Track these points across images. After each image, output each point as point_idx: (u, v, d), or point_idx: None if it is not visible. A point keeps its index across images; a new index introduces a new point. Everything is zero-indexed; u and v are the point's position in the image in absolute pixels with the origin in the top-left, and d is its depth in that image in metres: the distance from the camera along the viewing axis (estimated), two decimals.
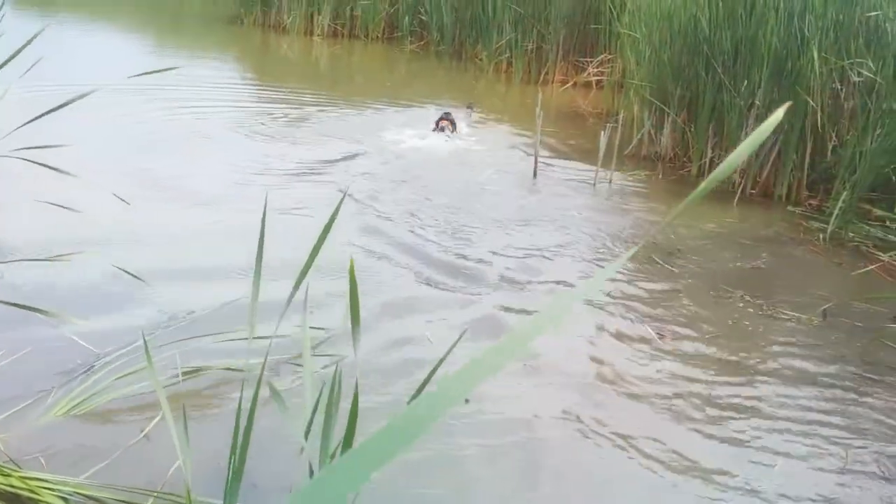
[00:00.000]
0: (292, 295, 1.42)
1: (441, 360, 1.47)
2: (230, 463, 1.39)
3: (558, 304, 0.55)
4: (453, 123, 6.72)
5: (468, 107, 7.55)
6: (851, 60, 5.21)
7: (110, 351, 2.88)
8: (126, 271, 3.20)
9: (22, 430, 2.40)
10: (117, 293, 3.34)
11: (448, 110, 6.93)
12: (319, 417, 1.42)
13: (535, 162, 5.71)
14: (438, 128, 6.63)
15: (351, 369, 2.74)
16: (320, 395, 1.39)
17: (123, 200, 3.03)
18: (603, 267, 4.23)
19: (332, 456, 1.32)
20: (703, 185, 0.66)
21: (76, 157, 4.98)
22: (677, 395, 3.01)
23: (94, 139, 5.55)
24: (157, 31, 12.36)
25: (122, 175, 4.94)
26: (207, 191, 4.83)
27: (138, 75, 2.50)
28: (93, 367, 2.77)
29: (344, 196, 1.65)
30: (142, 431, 2.42)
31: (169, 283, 3.49)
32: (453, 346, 1.53)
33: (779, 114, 0.69)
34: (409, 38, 11.80)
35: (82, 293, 3.33)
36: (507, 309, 3.62)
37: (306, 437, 1.32)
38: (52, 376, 2.70)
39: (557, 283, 3.96)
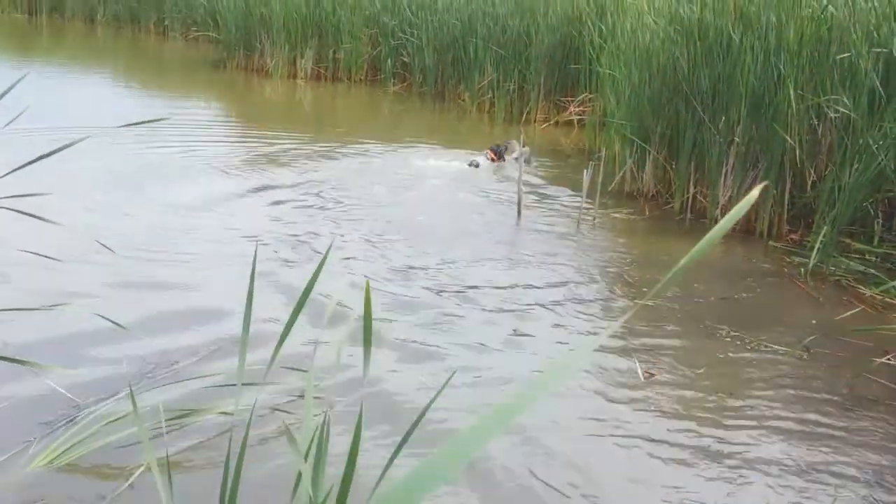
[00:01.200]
0: (280, 343, 1.42)
1: (429, 403, 1.46)
2: None
3: (564, 363, 0.56)
4: (500, 156, 7.27)
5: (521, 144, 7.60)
6: (827, 97, 5.30)
7: (93, 401, 2.85)
8: (109, 319, 3.19)
9: (4, 481, 2.36)
10: (101, 342, 3.31)
11: (503, 144, 7.45)
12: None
13: (519, 200, 5.75)
14: (489, 157, 7.25)
15: (339, 416, 2.73)
16: (312, 443, 1.38)
17: (108, 248, 3.02)
18: (587, 303, 4.25)
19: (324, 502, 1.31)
20: (696, 247, 0.68)
21: (62, 204, 4.99)
22: (663, 432, 3.00)
23: (79, 186, 5.55)
24: (141, 77, 12.40)
25: (107, 223, 4.93)
26: (194, 239, 4.82)
27: (130, 125, 2.50)
28: (76, 416, 2.74)
29: (329, 248, 1.66)
30: (126, 481, 2.39)
31: (153, 330, 3.47)
32: (443, 387, 1.52)
33: (754, 193, 0.76)
34: (392, 80, 11.91)
35: (65, 342, 3.30)
36: (488, 348, 3.62)
37: (296, 487, 1.31)
38: (35, 427, 2.66)
39: (547, 325, 3.96)
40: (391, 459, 1.28)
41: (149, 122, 2.73)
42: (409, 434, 1.27)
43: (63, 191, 5.30)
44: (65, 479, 2.40)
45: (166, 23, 18.00)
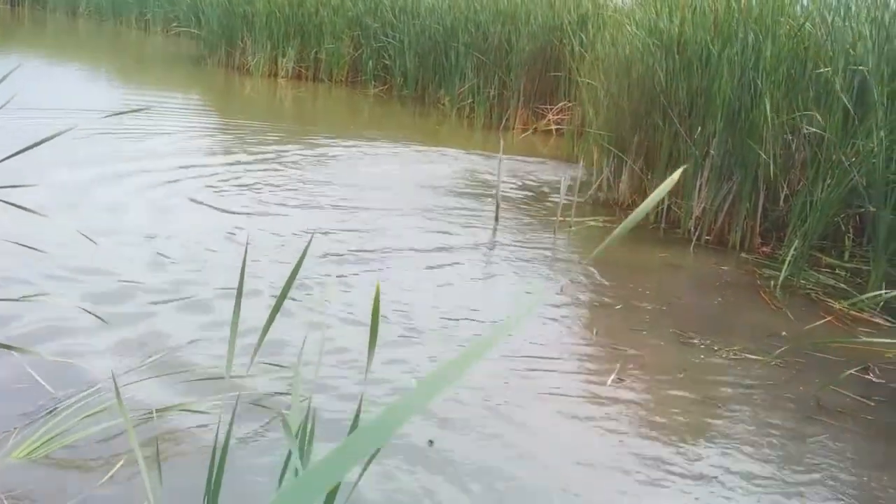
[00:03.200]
0: (263, 334, 1.46)
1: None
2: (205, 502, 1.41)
3: (515, 316, 0.58)
4: None
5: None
6: (802, 113, 5.41)
7: (73, 392, 2.86)
8: (89, 312, 3.20)
9: None
10: (81, 333, 3.32)
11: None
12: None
13: (497, 207, 5.80)
14: None
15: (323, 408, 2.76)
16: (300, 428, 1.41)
17: (90, 239, 3.03)
18: (557, 305, 4.31)
19: None
20: (619, 228, 0.74)
21: (44, 195, 4.98)
22: (627, 438, 3.06)
23: (61, 177, 5.54)
24: (122, 72, 12.33)
25: (89, 213, 4.92)
26: (176, 231, 4.82)
27: (113, 115, 2.53)
28: (56, 408, 2.75)
29: (311, 240, 1.69)
30: (108, 473, 2.40)
31: (135, 321, 3.49)
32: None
33: (675, 176, 0.81)
34: (373, 83, 11.95)
35: (46, 333, 3.30)
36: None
37: (281, 480, 1.35)
38: (14, 418, 2.67)
39: (523, 333, 4.02)
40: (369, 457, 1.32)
41: (132, 111, 2.75)
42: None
43: (45, 181, 5.29)
44: (44, 470, 2.41)
45: (148, 17, 17.92)
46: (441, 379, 0.53)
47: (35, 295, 2.89)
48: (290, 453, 1.28)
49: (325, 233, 5.09)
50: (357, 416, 1.40)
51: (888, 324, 4.44)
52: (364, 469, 1.54)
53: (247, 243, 1.53)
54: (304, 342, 1.70)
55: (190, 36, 15.14)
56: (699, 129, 5.83)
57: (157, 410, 2.71)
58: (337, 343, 3.48)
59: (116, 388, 1.74)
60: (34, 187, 2.71)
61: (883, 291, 4.57)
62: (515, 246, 5.33)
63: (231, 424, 1.48)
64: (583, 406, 3.28)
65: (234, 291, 1.53)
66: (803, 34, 5.56)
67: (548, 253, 5.28)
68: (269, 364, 3.12)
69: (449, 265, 4.80)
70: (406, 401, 0.52)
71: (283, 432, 2.68)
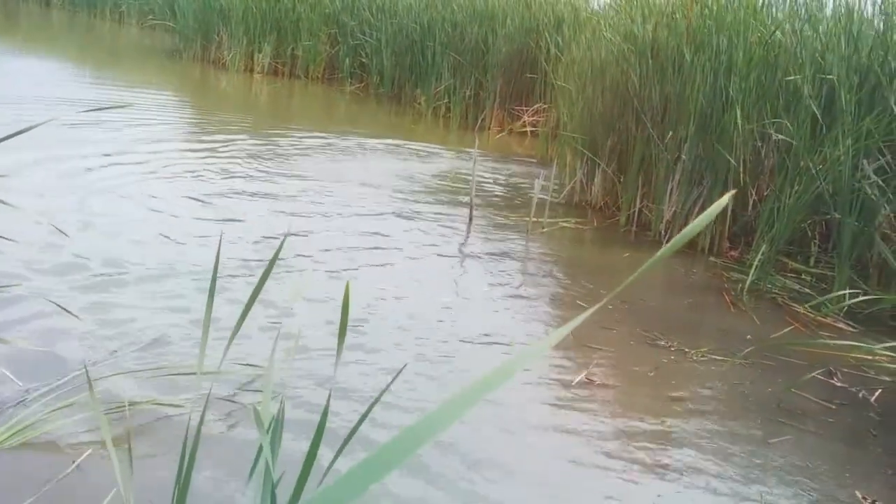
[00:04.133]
0: (236, 330, 1.47)
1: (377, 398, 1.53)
2: (174, 496, 1.42)
3: (522, 356, 0.59)
4: None
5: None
6: (771, 120, 5.50)
7: (40, 385, 2.85)
8: (59, 306, 3.19)
9: None
10: (50, 326, 3.30)
11: None
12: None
13: (471, 207, 5.84)
14: None
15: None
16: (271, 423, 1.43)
17: (62, 232, 3.02)
18: (532, 304, 4.35)
19: (272, 492, 1.36)
20: (659, 253, 0.73)
21: (16, 187, 4.94)
22: (595, 436, 3.10)
23: (33, 170, 5.49)
24: (95, 64, 12.21)
25: (61, 206, 4.88)
26: (148, 225, 4.80)
27: (91, 110, 2.52)
28: (23, 400, 2.74)
29: (283, 242, 1.71)
30: (73, 462, 2.40)
31: (106, 316, 3.47)
32: (392, 381, 1.59)
33: (723, 200, 0.78)
34: (350, 80, 11.94)
35: (16, 325, 3.28)
36: (434, 350, 3.69)
37: (251, 476, 1.37)
38: None
39: (488, 323, 4.05)
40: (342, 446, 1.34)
41: (111, 108, 2.75)
42: (356, 427, 1.33)
43: (17, 174, 5.25)
44: (9, 460, 2.41)
45: (123, 9, 17.76)
46: (452, 410, 0.55)
47: (4, 286, 2.88)
48: (260, 447, 1.30)
49: (295, 232, 5.09)
50: (324, 414, 1.41)
51: (851, 329, 4.53)
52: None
53: (220, 241, 1.54)
54: (276, 340, 1.72)
55: (165, 29, 15.03)
56: (671, 133, 5.90)
57: (131, 404, 2.71)
58: (303, 341, 3.50)
59: (88, 379, 1.74)
60: (3, 178, 2.70)
61: (847, 293, 4.67)
62: (488, 245, 5.37)
63: (201, 420, 1.49)
64: (547, 407, 3.32)
65: (207, 284, 1.55)
66: (773, 42, 5.65)
67: (520, 252, 5.32)
68: (243, 364, 3.12)
69: (420, 263, 4.82)
70: (414, 430, 0.54)
71: (256, 426, 2.70)
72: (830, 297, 4.76)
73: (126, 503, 1.53)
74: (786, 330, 4.40)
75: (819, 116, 5.22)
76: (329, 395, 1.38)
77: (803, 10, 5.83)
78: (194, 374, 2.96)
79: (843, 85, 5.13)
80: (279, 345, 3.24)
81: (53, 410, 2.61)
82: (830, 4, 5.85)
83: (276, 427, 1.39)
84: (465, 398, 0.56)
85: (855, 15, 5.53)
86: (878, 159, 5.05)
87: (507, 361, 0.60)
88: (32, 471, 2.37)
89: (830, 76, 5.28)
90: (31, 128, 2.30)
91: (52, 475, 2.35)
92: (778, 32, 5.66)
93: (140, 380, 2.98)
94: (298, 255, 4.61)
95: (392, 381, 1.51)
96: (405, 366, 2.21)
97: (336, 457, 1.42)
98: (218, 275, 1.48)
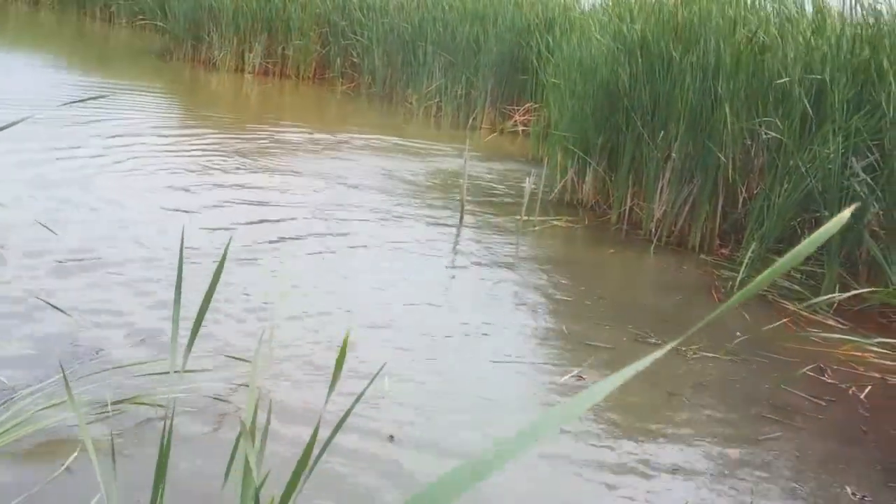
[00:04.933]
0: (197, 324, 1.46)
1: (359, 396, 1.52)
2: (153, 499, 1.41)
3: (577, 403, 0.58)
4: None
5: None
6: (761, 119, 5.51)
7: (25, 384, 2.83)
8: (48, 303, 3.18)
9: None
10: (37, 324, 3.29)
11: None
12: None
13: (462, 206, 5.84)
14: None
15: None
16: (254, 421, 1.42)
17: (50, 230, 3.00)
18: (526, 304, 4.35)
19: (254, 495, 1.34)
20: (748, 287, 0.69)
21: (2, 185, 4.92)
22: (586, 434, 3.10)
23: (19, 168, 5.46)
24: (84, 64, 12.15)
25: (49, 204, 4.86)
26: (136, 221, 4.78)
27: (71, 103, 2.51)
28: (11, 399, 2.73)
29: (229, 243, 1.70)
30: (62, 465, 2.39)
31: (93, 314, 3.46)
32: (371, 380, 1.58)
33: (844, 214, 0.73)
34: (341, 80, 11.92)
35: (1, 325, 3.27)
36: (424, 346, 3.69)
37: (227, 477, 1.36)
38: None
39: (482, 322, 4.05)
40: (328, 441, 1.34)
41: (88, 99, 2.73)
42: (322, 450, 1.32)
43: (2, 172, 5.22)
44: None
45: (112, 9, 17.68)
46: (509, 449, 0.55)
47: None
48: (236, 441, 1.29)
49: (275, 221, 5.08)
50: (313, 438, 1.40)
51: (840, 325, 4.54)
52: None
53: (182, 237, 1.52)
54: (260, 337, 1.71)
55: (155, 29, 14.97)
56: (661, 132, 5.91)
57: (112, 403, 2.70)
58: (282, 336, 3.49)
59: (66, 380, 1.72)
60: None
61: (836, 294, 4.68)
62: (479, 243, 5.36)
63: (170, 420, 1.48)
64: (537, 405, 3.31)
65: (194, 281, 1.54)
66: (759, 42, 5.66)
67: (510, 251, 5.32)
68: (230, 357, 3.11)
69: (411, 261, 4.82)
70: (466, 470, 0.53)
71: (238, 425, 2.69)
72: (821, 298, 4.77)
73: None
74: (775, 325, 4.41)
75: (811, 113, 5.23)
76: (318, 423, 1.37)
77: (792, 10, 5.85)
78: (189, 371, 2.94)
79: (832, 83, 5.14)
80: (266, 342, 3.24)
81: (39, 410, 2.60)
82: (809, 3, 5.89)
83: (260, 428, 1.38)
84: (518, 441, 0.57)
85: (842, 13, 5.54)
86: (867, 157, 5.07)
87: (562, 405, 0.63)
88: (20, 474, 2.35)
89: (818, 76, 5.29)
90: (7, 126, 2.28)
91: (39, 477, 2.33)
92: (760, 32, 5.67)
93: (123, 377, 2.96)
94: (276, 253, 4.60)
95: (370, 383, 1.51)
96: (384, 365, 2.20)
97: (319, 457, 1.41)
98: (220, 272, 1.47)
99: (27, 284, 3.65)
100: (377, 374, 1.49)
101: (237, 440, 1.33)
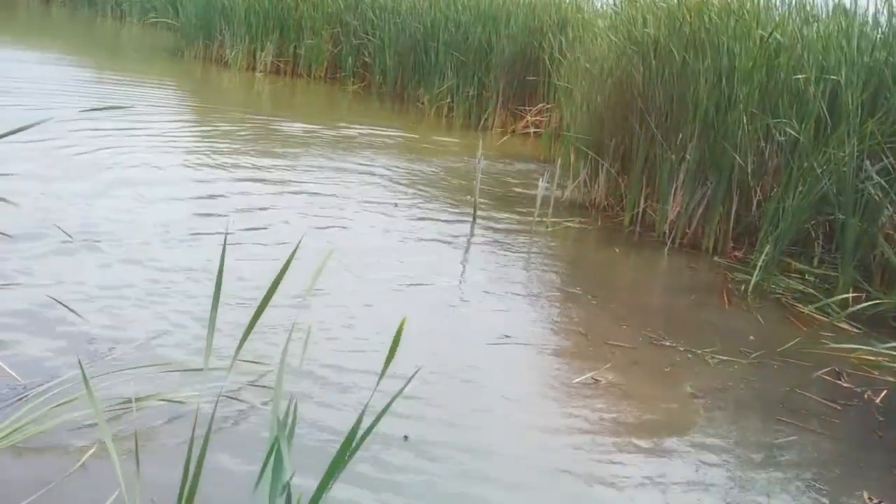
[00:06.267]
0: (251, 326, 1.46)
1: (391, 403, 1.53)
2: (180, 496, 1.42)
3: None
4: None
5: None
6: (776, 120, 5.49)
7: (40, 382, 2.84)
8: (62, 303, 3.18)
9: None
10: (52, 324, 3.29)
11: None
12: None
13: (475, 206, 5.83)
14: None
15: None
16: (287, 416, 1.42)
17: (66, 234, 3.01)
18: (536, 302, 4.34)
19: (285, 491, 1.35)
20: None
21: (19, 185, 4.92)
22: (602, 435, 3.10)
23: (37, 169, 5.47)
24: (96, 62, 12.19)
25: (64, 205, 4.87)
26: (154, 224, 4.78)
27: (91, 110, 2.52)
28: (25, 397, 2.73)
29: (300, 241, 1.70)
30: (78, 462, 2.39)
31: (108, 314, 3.46)
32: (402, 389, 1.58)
33: None
34: (352, 79, 11.94)
35: (15, 324, 3.28)
36: (438, 343, 3.69)
37: (263, 471, 1.36)
38: None
39: (492, 323, 4.05)
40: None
41: (112, 108, 2.74)
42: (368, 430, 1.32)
43: (20, 172, 5.23)
44: (13, 459, 2.40)
45: (124, 7, 17.75)
46: None
47: (3, 284, 2.86)
48: (275, 440, 1.29)
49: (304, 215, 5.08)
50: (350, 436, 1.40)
51: (854, 329, 4.53)
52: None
53: (225, 240, 1.52)
54: (288, 337, 1.71)
55: (167, 27, 15.03)
56: (675, 133, 5.89)
57: (137, 400, 2.70)
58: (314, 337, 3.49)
59: (84, 375, 1.71)
60: (9, 177, 2.69)
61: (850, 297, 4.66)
62: (492, 244, 5.36)
63: (213, 416, 1.49)
64: (550, 408, 3.31)
65: (208, 280, 1.54)
66: (774, 43, 5.64)
67: (523, 252, 5.32)
68: (249, 361, 3.11)
69: (425, 262, 4.82)
70: None
71: (270, 421, 2.69)
72: (835, 300, 4.75)
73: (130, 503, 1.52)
74: (788, 328, 4.39)
75: (826, 116, 5.22)
76: (361, 417, 1.37)
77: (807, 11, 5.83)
78: (211, 369, 2.94)
79: (847, 86, 5.12)
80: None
81: (54, 407, 2.60)
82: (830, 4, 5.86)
83: (289, 426, 1.39)
84: None
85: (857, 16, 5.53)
86: (882, 160, 5.05)
87: None
88: (36, 470, 2.36)
89: (834, 77, 5.28)
90: (28, 126, 2.29)
91: (55, 474, 2.34)
92: (777, 34, 5.65)
93: (147, 376, 2.97)
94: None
95: (406, 385, 1.51)
96: (419, 369, 2.20)
97: (350, 458, 1.41)
98: (225, 273, 1.47)
99: (38, 281, 3.66)
100: (412, 376, 1.49)
101: (274, 433, 1.33)
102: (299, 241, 1.43)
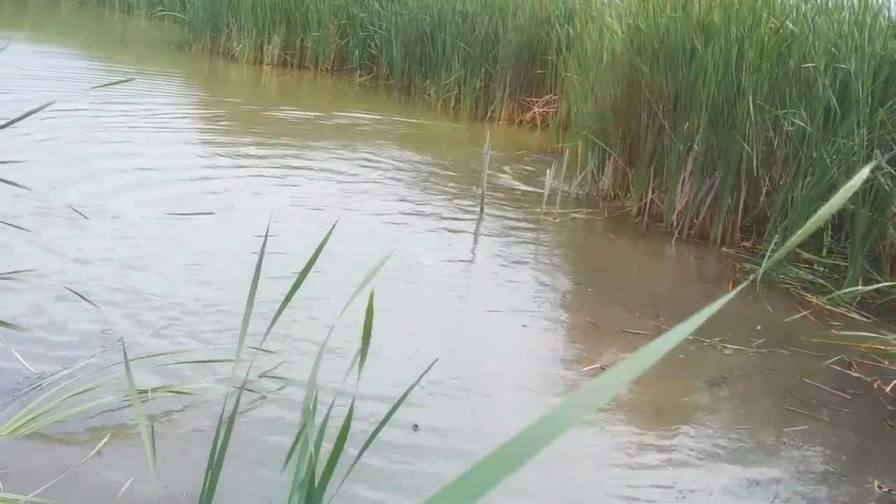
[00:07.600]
0: (275, 318, 1.47)
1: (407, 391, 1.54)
2: (205, 480, 1.43)
3: (626, 367, 0.53)
4: None
5: None
6: (785, 110, 5.48)
7: (56, 370, 2.87)
8: (76, 293, 3.20)
9: None
10: (67, 312, 3.32)
11: None
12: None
13: (482, 198, 5.84)
14: None
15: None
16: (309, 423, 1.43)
17: (81, 214, 3.02)
18: (543, 295, 4.35)
19: (310, 480, 1.36)
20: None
21: (31, 171, 4.94)
22: (608, 423, 3.11)
23: (47, 154, 5.49)
24: (104, 54, 12.21)
25: (78, 192, 4.90)
26: (166, 208, 4.80)
27: (100, 86, 2.53)
28: (39, 386, 2.76)
29: (332, 229, 1.71)
30: (94, 449, 2.42)
31: (124, 302, 3.48)
32: (423, 373, 1.59)
33: (864, 172, 0.73)
34: (359, 71, 11.93)
35: (29, 311, 3.30)
36: (448, 335, 3.70)
37: (286, 464, 1.37)
38: None
39: (504, 315, 4.05)
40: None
41: (117, 83, 2.76)
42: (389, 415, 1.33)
43: (31, 158, 5.25)
44: (30, 446, 2.42)
45: (132, 0, 17.77)
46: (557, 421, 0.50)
47: (21, 271, 2.89)
48: (303, 426, 1.31)
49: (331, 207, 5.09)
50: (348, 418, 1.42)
51: (863, 319, 4.52)
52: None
53: (266, 234, 1.52)
54: (330, 331, 1.72)
55: (174, 20, 15.04)
56: (683, 124, 5.88)
57: (152, 390, 2.73)
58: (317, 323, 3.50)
59: (125, 358, 1.72)
60: (20, 162, 2.71)
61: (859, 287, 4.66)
62: (499, 235, 5.37)
63: (236, 407, 1.50)
64: (559, 395, 3.32)
65: (225, 271, 1.55)
66: (785, 32, 5.62)
67: (531, 242, 5.32)
68: (262, 349, 3.13)
69: (432, 252, 4.83)
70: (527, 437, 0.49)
71: (275, 411, 2.71)
72: (845, 291, 4.75)
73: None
74: (798, 318, 4.39)
75: (835, 105, 5.20)
76: (353, 403, 1.38)
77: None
78: (227, 360, 2.97)
79: (858, 75, 5.10)
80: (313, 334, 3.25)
81: (70, 396, 2.62)
82: None
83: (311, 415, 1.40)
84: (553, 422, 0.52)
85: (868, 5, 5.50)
86: (892, 149, 5.03)
87: (594, 382, 0.55)
88: (52, 458, 2.38)
89: (844, 66, 5.26)
90: (33, 111, 2.30)
91: (71, 461, 2.36)
92: (788, 23, 5.63)
93: (162, 367, 2.99)
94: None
95: (419, 379, 1.52)
96: (435, 360, 2.21)
97: (363, 449, 1.42)
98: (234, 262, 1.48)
99: (54, 269, 3.68)
100: (429, 367, 1.50)
101: (304, 418, 1.34)
102: (328, 234, 1.43)
